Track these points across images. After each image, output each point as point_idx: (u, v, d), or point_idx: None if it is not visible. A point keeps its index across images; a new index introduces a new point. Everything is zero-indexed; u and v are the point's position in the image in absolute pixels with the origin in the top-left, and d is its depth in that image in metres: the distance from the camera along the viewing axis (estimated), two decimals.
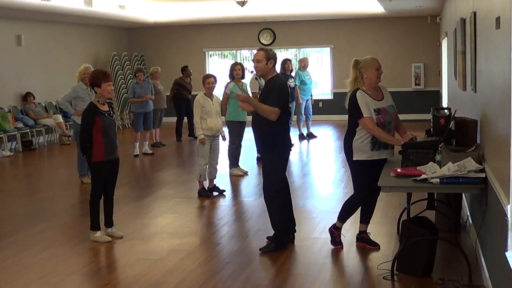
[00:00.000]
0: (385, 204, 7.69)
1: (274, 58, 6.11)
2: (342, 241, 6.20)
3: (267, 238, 6.36)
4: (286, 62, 13.41)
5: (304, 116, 14.57)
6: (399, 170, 5.37)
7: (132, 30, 19.66)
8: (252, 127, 6.28)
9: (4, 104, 14.22)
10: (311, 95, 14.70)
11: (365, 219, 6.23)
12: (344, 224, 6.25)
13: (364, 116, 5.70)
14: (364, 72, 5.82)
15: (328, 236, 6.50)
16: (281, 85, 6.10)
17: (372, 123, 5.70)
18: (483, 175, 4.88)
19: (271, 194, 6.15)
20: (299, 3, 17.27)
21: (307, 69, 14.50)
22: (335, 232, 6.20)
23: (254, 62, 6.15)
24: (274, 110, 5.93)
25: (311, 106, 14.64)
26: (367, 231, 6.23)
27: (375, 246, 6.10)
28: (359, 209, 6.18)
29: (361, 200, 6.08)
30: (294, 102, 13.62)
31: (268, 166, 6.15)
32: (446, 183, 4.92)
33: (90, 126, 6.46)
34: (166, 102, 14.83)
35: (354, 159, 5.85)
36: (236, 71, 10.03)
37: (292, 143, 13.31)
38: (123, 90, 17.75)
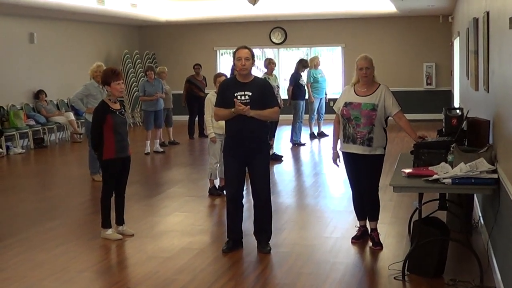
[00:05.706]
0: (396, 204, 7.68)
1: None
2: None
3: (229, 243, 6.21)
4: (301, 61, 13.81)
5: (316, 115, 14.52)
6: (410, 170, 5.36)
7: (144, 29, 19.70)
8: (251, 129, 5.86)
9: (16, 101, 14.30)
10: (326, 94, 14.65)
11: (368, 217, 6.25)
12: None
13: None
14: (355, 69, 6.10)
15: (338, 235, 6.54)
16: (269, 84, 6.35)
17: (335, 119, 6.19)
18: (495, 176, 4.86)
19: (269, 194, 6.12)
20: (311, 2, 17.25)
21: (319, 67, 14.49)
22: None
23: (241, 60, 5.79)
24: (278, 110, 6.07)
25: (324, 105, 14.57)
26: (378, 230, 6.21)
27: (376, 247, 6.08)
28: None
29: (352, 192, 6.28)
30: (304, 101, 13.62)
31: (266, 166, 6.07)
32: (458, 183, 4.91)
33: (101, 124, 6.49)
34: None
35: None
36: None
37: (303, 142, 13.51)
38: (135, 89, 17.77)
